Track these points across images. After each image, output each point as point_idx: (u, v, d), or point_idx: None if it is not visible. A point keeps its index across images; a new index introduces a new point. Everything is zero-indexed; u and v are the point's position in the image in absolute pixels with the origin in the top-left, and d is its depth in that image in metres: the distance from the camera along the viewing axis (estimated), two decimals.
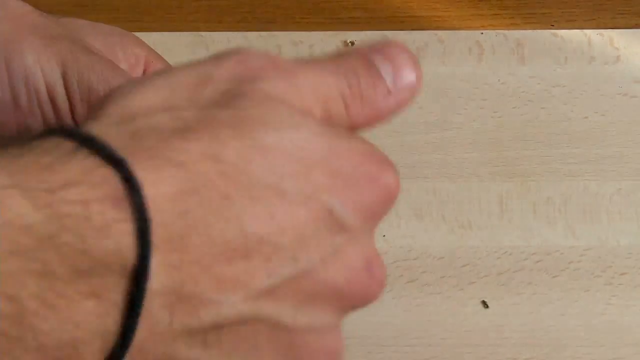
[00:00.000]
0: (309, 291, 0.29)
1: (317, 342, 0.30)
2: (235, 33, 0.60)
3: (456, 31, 0.61)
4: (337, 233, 0.29)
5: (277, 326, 0.29)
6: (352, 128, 0.32)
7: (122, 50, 0.45)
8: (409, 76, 0.34)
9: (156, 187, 0.27)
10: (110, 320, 0.27)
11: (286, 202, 0.28)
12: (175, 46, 0.59)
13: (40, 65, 0.40)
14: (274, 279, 0.28)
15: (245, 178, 0.28)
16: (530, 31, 0.61)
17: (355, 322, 0.47)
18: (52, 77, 0.40)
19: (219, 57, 0.30)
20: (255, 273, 0.28)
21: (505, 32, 0.60)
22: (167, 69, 0.31)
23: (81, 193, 0.26)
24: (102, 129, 0.28)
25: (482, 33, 0.60)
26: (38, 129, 0.40)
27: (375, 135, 0.55)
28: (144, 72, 0.45)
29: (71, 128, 0.28)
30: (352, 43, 0.60)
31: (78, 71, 0.40)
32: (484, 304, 0.48)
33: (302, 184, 0.29)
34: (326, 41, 0.60)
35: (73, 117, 0.41)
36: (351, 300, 0.31)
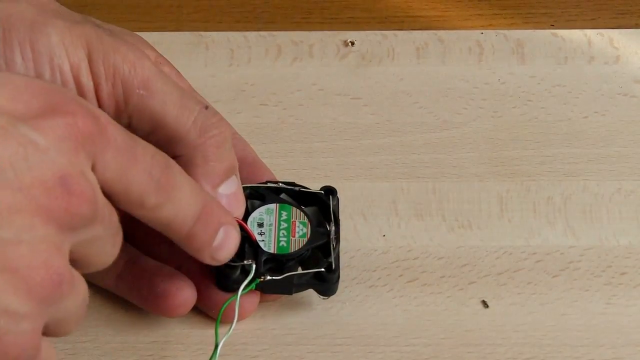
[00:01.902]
0: (5, 201, 0.32)
1: (30, 255, 0.33)
2: (235, 33, 0.60)
3: (456, 31, 0.61)
4: (27, 147, 0.33)
5: None
6: None
7: None
8: None
9: None
10: None
11: None
12: (175, 46, 0.59)
13: (65, 46, 0.40)
14: None
15: None
16: (530, 31, 0.61)
17: (355, 321, 0.47)
18: (76, 56, 0.40)
19: None
20: None
21: (505, 32, 0.60)
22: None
23: None
24: None
25: (482, 33, 0.60)
26: None
27: (375, 135, 0.55)
28: None
29: None
30: (352, 43, 0.60)
31: (103, 52, 0.41)
32: (484, 304, 0.48)
33: None
34: (326, 41, 0.60)
35: (97, 95, 0.41)
36: (54, 213, 0.33)
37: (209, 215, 0.41)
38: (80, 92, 0.41)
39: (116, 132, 0.36)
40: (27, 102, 0.34)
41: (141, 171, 0.37)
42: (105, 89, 0.41)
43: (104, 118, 0.36)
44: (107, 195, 0.36)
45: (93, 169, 0.35)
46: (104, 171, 0.36)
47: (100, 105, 0.41)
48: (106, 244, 0.36)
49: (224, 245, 0.42)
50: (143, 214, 0.38)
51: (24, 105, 0.34)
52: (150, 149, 0.38)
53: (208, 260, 0.42)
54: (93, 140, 0.35)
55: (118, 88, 0.41)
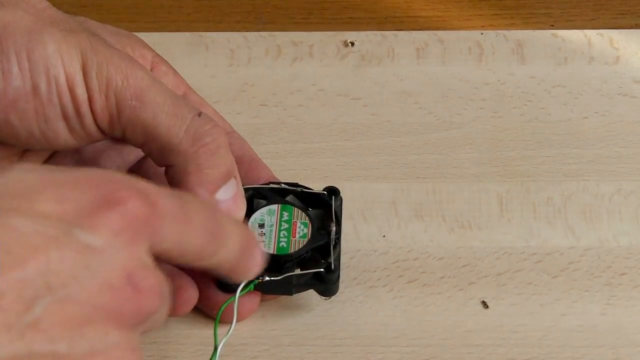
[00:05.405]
0: (75, 315, 0.30)
1: None
2: (235, 33, 0.60)
3: (456, 31, 0.61)
4: (86, 254, 0.31)
5: (56, 359, 0.30)
6: None
7: (132, 51, 0.46)
8: None
9: None
10: None
11: (18, 234, 0.30)
12: (175, 46, 0.59)
13: (61, 56, 0.40)
14: (32, 311, 0.29)
15: None
16: (530, 31, 0.61)
17: (356, 322, 0.47)
18: (71, 67, 0.40)
19: None
20: (10, 309, 0.29)
21: (505, 32, 0.60)
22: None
23: None
24: None
25: (482, 33, 0.60)
26: (56, 118, 0.41)
27: (375, 136, 0.55)
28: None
29: None
30: (352, 43, 0.60)
31: (97, 63, 0.41)
32: (484, 304, 0.48)
33: (32, 215, 0.31)
34: (326, 41, 0.60)
35: (91, 108, 0.41)
36: (125, 316, 0.32)
37: (249, 245, 0.40)
38: (75, 104, 0.41)
39: (167, 201, 0.35)
40: (76, 201, 0.32)
41: (197, 229, 0.36)
42: (99, 102, 0.41)
43: (152, 190, 0.34)
44: (166, 260, 0.35)
45: (151, 246, 0.34)
46: (162, 244, 0.34)
47: (94, 117, 0.41)
48: (162, 317, 0.35)
49: (257, 265, 0.41)
50: (198, 264, 0.37)
51: (73, 204, 0.32)
52: (197, 200, 0.37)
53: (240, 280, 0.42)
54: (148, 222, 0.33)
55: (111, 100, 0.41)
